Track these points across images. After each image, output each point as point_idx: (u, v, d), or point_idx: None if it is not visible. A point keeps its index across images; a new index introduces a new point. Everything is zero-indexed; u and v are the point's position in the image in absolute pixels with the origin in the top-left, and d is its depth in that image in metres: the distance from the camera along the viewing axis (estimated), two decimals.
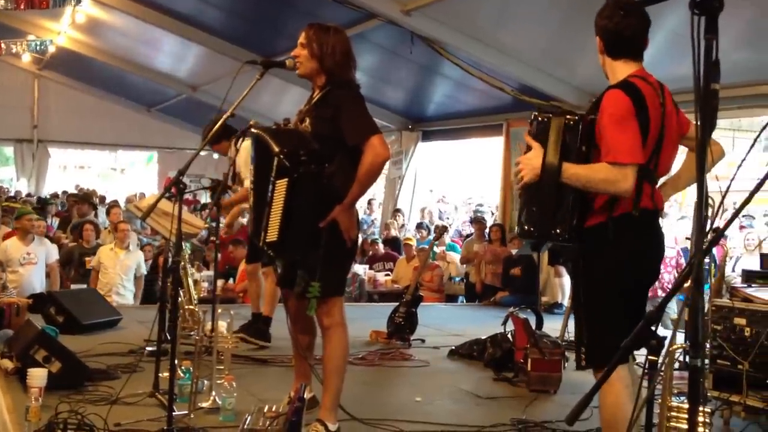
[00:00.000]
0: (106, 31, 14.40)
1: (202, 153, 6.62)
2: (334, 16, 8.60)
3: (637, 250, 3.04)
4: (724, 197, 2.00)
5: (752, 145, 2.01)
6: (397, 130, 13.39)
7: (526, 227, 3.07)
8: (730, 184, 2.06)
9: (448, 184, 17.34)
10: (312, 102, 3.83)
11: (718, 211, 3.64)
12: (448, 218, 15.36)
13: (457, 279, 11.50)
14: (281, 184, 3.43)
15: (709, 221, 5.08)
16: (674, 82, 3.34)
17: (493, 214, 13.04)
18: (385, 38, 9.79)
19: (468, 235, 12.08)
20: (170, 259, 4.00)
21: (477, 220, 11.88)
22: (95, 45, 15.56)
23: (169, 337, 3.95)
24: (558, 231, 2.96)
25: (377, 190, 15.63)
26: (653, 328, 1.90)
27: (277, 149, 3.42)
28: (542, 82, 9.11)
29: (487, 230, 10.93)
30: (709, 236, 1.91)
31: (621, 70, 3.06)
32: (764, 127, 2.11)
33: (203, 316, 5.16)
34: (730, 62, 7.30)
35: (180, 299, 5.33)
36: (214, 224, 5.80)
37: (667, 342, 2.24)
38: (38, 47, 15.87)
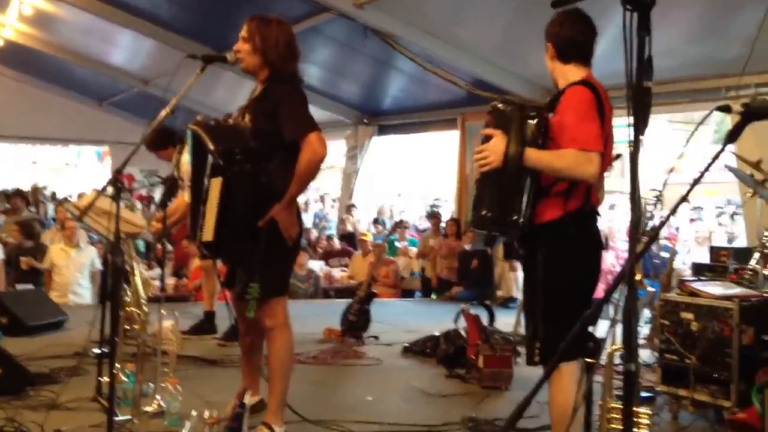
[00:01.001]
0: (54, 23, 14.06)
1: None
2: (287, 9, 8.50)
3: (592, 246, 3.16)
4: (660, 193, 1.97)
5: (688, 139, 1.99)
6: (353, 124, 13.32)
7: (483, 212, 3.07)
8: (666, 179, 2.04)
9: (404, 179, 17.30)
10: (253, 97, 3.74)
11: (656, 205, 3.68)
12: (403, 212, 15.32)
13: (416, 274, 11.49)
14: (216, 183, 3.34)
15: (656, 215, 5.12)
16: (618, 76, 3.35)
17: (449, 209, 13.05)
18: (338, 31, 9.69)
19: (423, 230, 12.07)
20: (110, 259, 3.88)
21: (433, 215, 11.87)
22: (44, 38, 15.19)
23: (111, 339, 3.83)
24: (515, 218, 2.99)
25: (332, 185, 15.57)
26: (590, 329, 1.86)
27: (212, 147, 3.33)
28: (496, 76, 9.11)
29: (442, 225, 10.92)
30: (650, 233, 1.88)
31: (573, 73, 3.18)
32: (701, 121, 2.10)
33: (149, 317, 5.04)
34: (682, 56, 7.38)
35: (126, 299, 5.21)
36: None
37: (607, 341, 2.22)
38: None
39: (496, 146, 3.00)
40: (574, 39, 3.17)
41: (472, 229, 3.24)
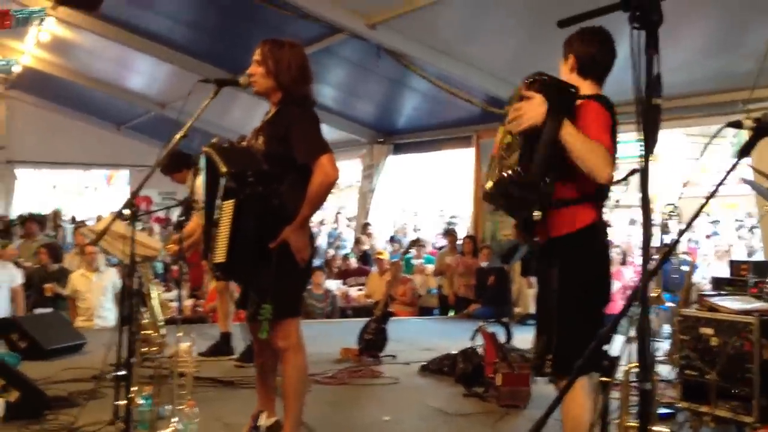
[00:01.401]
0: (72, 49, 14.25)
1: None
2: (300, 31, 8.57)
3: (605, 258, 3.19)
4: (676, 207, 1.96)
5: (703, 151, 1.98)
6: (368, 143, 13.36)
7: (511, 172, 2.96)
8: (682, 193, 2.03)
9: (420, 197, 17.29)
10: (266, 119, 3.77)
11: (672, 219, 3.67)
12: (419, 230, 15.30)
13: (434, 291, 11.46)
14: (228, 206, 3.36)
15: (673, 230, 5.08)
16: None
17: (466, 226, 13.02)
18: (351, 52, 9.76)
19: (440, 248, 12.05)
20: (126, 283, 3.90)
21: (449, 233, 11.85)
22: (61, 64, 15.40)
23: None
24: (547, 181, 2.95)
25: (348, 203, 15.59)
26: (605, 348, 1.84)
27: (224, 170, 3.36)
28: (509, 93, 9.11)
29: (459, 242, 10.90)
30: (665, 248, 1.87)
31: (589, 88, 3.20)
32: (713, 136, 2.09)
33: (166, 339, 5.05)
34: (696, 71, 7.37)
35: (144, 321, 5.22)
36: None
37: (624, 358, 2.20)
38: (2, 67, 15.65)
39: (538, 106, 2.93)
40: (597, 57, 3.23)
41: (493, 194, 3.11)
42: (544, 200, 3.00)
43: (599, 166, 2.91)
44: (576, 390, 2.87)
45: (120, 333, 4.22)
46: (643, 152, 1.71)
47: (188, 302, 9.58)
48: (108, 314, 8.47)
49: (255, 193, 3.36)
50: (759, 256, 7.89)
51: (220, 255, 3.40)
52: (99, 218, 16.34)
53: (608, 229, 3.23)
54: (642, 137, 1.69)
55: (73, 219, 17.06)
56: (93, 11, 10.17)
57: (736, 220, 13.24)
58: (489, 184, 3.09)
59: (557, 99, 2.96)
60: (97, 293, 8.39)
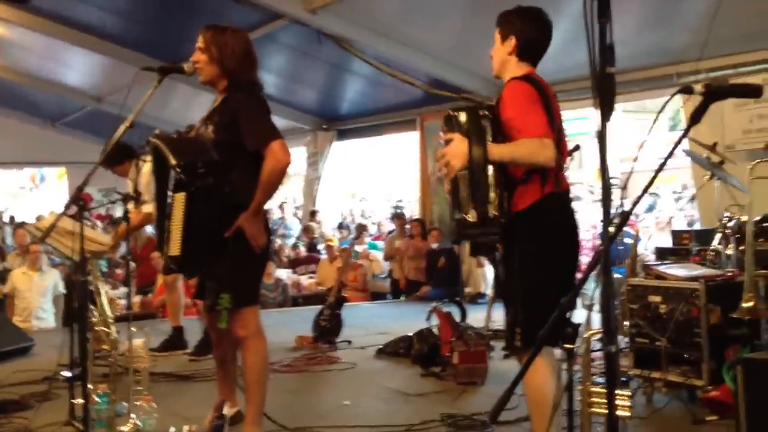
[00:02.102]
0: (2, 45, 13.81)
1: None
2: (240, 18, 8.44)
3: (569, 228, 3.20)
4: (627, 180, 2.00)
5: (653, 125, 2.03)
6: (312, 130, 13.28)
7: (461, 217, 3.02)
8: (633, 166, 2.07)
9: (366, 182, 17.30)
10: (214, 107, 3.71)
11: (623, 193, 3.71)
12: (370, 216, 15.30)
13: (382, 276, 11.48)
14: (179, 198, 3.31)
15: (618, 204, 5.19)
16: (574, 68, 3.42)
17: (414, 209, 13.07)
18: (292, 38, 9.66)
19: (389, 232, 12.08)
20: (75, 279, 3.81)
21: (397, 216, 11.89)
22: None
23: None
24: (494, 215, 2.99)
25: (294, 192, 15.49)
26: (567, 315, 1.87)
27: (173, 162, 3.30)
28: (452, 75, 9.18)
29: (407, 225, 10.94)
30: (615, 221, 1.91)
31: (519, 69, 3.21)
32: (665, 104, 2.14)
33: (119, 335, 4.96)
34: (634, 46, 7.51)
35: (94, 319, 5.12)
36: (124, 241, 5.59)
37: (583, 327, 2.24)
38: None
39: (458, 148, 3.00)
40: (540, 41, 3.22)
41: (459, 242, 3.24)
42: (504, 225, 3.02)
43: (536, 158, 2.97)
44: (537, 361, 2.89)
45: (71, 332, 4.13)
46: (600, 121, 1.73)
47: (137, 298, 9.43)
48: (47, 315, 8.30)
49: (206, 184, 3.31)
50: (699, 226, 8.11)
51: (174, 248, 3.35)
52: (39, 217, 15.98)
53: (568, 199, 3.23)
54: (599, 106, 1.71)
55: (12, 219, 16.61)
56: (23, 4, 9.85)
57: (674, 192, 13.59)
58: (453, 232, 3.16)
59: (477, 124, 3.01)
60: (36, 293, 8.21)
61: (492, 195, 2.98)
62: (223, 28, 3.70)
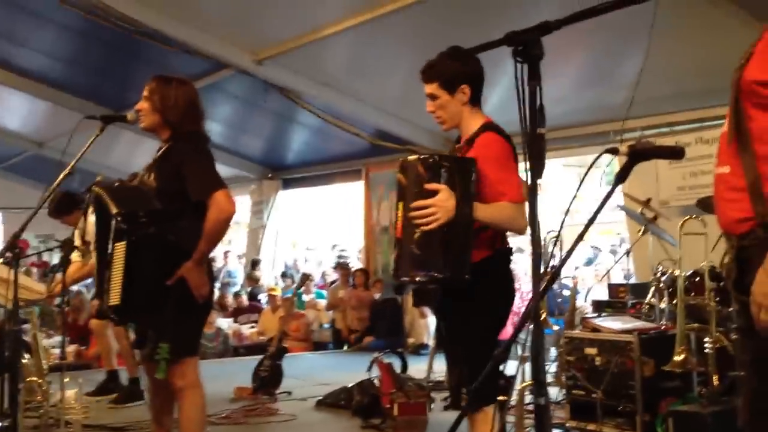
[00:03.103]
0: None
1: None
2: (186, 67, 8.47)
3: (511, 284, 3.17)
4: (559, 234, 2.07)
5: (581, 183, 2.11)
6: (257, 179, 13.27)
7: (436, 275, 2.89)
8: (563, 220, 2.15)
9: (311, 231, 17.28)
10: (157, 156, 3.71)
11: (555, 246, 3.82)
12: (317, 264, 15.24)
13: (326, 326, 11.42)
14: (120, 247, 3.29)
15: (556, 255, 5.29)
16: (513, 124, 3.49)
17: (359, 258, 13.09)
18: (238, 88, 9.72)
19: (332, 282, 12.06)
20: (7, 328, 3.73)
21: (341, 266, 11.88)
22: None
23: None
24: (467, 276, 2.91)
25: (238, 240, 15.37)
26: (500, 368, 1.91)
27: (114, 211, 3.29)
28: (397, 127, 9.31)
29: (351, 275, 10.95)
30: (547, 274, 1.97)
31: (477, 117, 3.14)
32: (591, 164, 2.22)
33: (50, 386, 4.84)
34: (572, 103, 7.74)
35: (28, 369, 4.99)
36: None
37: (517, 379, 2.28)
38: None
39: (445, 201, 2.84)
40: (483, 78, 3.12)
41: (401, 292, 3.14)
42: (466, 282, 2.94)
43: (514, 225, 2.96)
44: (487, 419, 2.80)
45: (1, 382, 4.01)
46: (531, 180, 1.80)
47: (71, 348, 9.18)
48: None
49: (147, 233, 3.29)
50: (634, 280, 8.31)
51: (114, 297, 3.31)
52: None
53: (510, 256, 3.18)
54: (529, 166, 1.78)
55: None
56: None
57: (612, 245, 13.89)
58: (405, 279, 2.99)
59: (464, 179, 2.91)
60: None
61: (467, 256, 2.91)
62: (169, 79, 3.72)
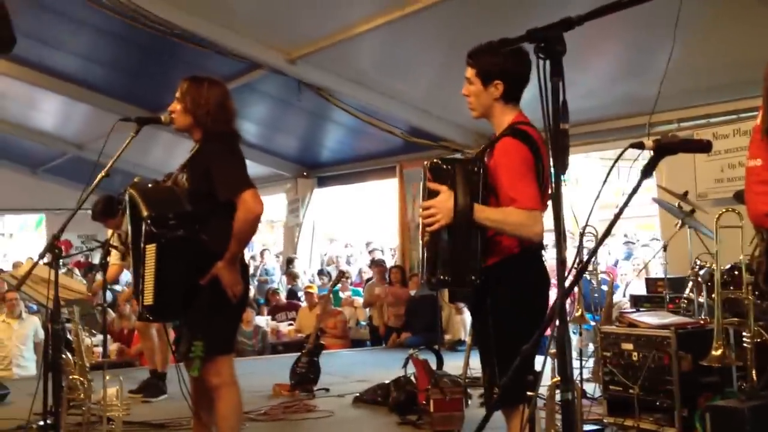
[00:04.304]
0: None
1: (90, 212, 6.48)
2: (220, 68, 8.57)
3: (542, 283, 3.12)
4: (584, 228, 2.06)
5: (608, 173, 2.10)
6: (293, 177, 13.37)
7: (440, 277, 2.95)
8: (590, 215, 2.14)
9: (347, 229, 17.34)
10: (189, 156, 3.77)
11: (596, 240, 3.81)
12: (354, 262, 15.28)
13: (363, 323, 11.46)
14: (150, 249, 3.36)
15: (590, 250, 5.25)
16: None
17: (393, 255, 13.10)
18: (272, 87, 9.80)
19: (368, 279, 12.10)
20: (50, 327, 3.82)
21: (376, 263, 11.90)
22: None
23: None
24: (473, 277, 2.92)
25: (275, 238, 15.49)
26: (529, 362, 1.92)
27: (144, 213, 3.36)
28: (430, 123, 9.31)
29: (387, 272, 10.97)
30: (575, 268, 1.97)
31: (509, 115, 3.11)
32: (619, 156, 2.22)
33: (93, 384, 4.94)
34: (606, 96, 7.66)
35: (71, 368, 5.10)
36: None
37: (547, 375, 2.28)
38: None
39: (444, 202, 2.90)
40: (524, 78, 3.07)
41: (437, 289, 3.19)
42: (476, 285, 2.96)
43: (524, 232, 2.93)
44: (520, 418, 2.78)
45: (45, 380, 4.11)
46: (555, 176, 1.80)
47: (114, 346, 9.36)
48: (28, 363, 8.21)
49: (176, 236, 3.35)
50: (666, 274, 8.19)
51: (147, 297, 3.39)
52: (16, 264, 15.84)
53: (541, 258, 3.13)
54: (553, 161, 1.78)
55: None
56: (5, 53, 9.93)
57: (652, 239, 13.70)
58: (423, 282, 3.11)
59: (466, 180, 2.92)
60: (16, 341, 8.13)
61: (471, 260, 2.91)
62: (201, 79, 3.77)
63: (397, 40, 7.72)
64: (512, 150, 2.97)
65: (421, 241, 3.14)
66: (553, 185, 1.83)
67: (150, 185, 3.72)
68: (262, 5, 7.80)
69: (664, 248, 6.16)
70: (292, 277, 12.99)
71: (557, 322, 1.79)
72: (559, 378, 1.82)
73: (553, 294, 3.17)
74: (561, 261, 1.77)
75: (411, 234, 11.11)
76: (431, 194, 2.98)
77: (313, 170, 13.26)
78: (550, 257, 2.73)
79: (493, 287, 3.00)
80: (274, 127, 11.91)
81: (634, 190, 1.93)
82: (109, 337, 8.68)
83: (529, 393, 1.94)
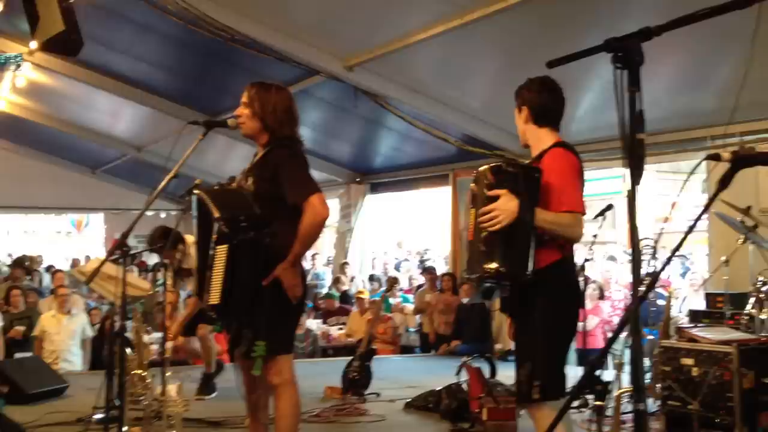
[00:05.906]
0: (48, 94, 14.24)
1: (150, 213, 6.64)
2: (278, 73, 8.68)
3: (575, 295, 3.46)
4: (657, 241, 2.06)
5: (682, 188, 2.09)
6: (345, 183, 13.45)
7: (495, 266, 3.16)
8: (663, 227, 2.13)
9: (398, 236, 17.35)
10: (255, 161, 3.84)
11: (654, 253, 3.87)
12: (402, 270, 15.31)
13: (412, 330, 11.47)
14: (221, 250, 3.44)
15: (649, 264, 5.20)
16: (608, 128, 3.57)
17: (445, 262, 13.08)
18: (329, 93, 9.89)
19: (419, 286, 12.09)
20: (116, 323, 3.92)
21: (428, 270, 11.90)
22: (36, 109, 15.35)
23: (117, 404, 3.86)
24: (528, 273, 3.15)
25: (327, 243, 15.58)
26: (597, 373, 1.92)
27: (217, 215, 3.43)
28: (484, 132, 9.29)
29: (438, 280, 10.96)
30: (645, 281, 1.96)
31: (548, 136, 3.42)
32: (693, 170, 2.20)
33: (153, 380, 5.05)
34: (667, 108, 7.56)
35: (129, 363, 5.23)
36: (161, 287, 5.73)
37: (614, 386, 2.27)
38: None
39: (507, 204, 3.15)
40: (549, 105, 3.43)
41: (473, 281, 3.36)
42: (528, 281, 3.19)
43: (571, 233, 3.23)
44: (552, 415, 2.94)
45: (108, 375, 4.23)
46: (630, 185, 1.80)
47: (169, 344, 9.50)
48: (75, 359, 8.41)
49: (247, 237, 3.43)
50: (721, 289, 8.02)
51: (214, 297, 3.47)
52: (74, 262, 16.21)
53: (577, 267, 3.51)
54: (629, 171, 1.78)
55: (50, 267, 16.88)
56: (73, 56, 10.21)
57: (707, 255, 13.41)
58: (473, 276, 3.29)
59: (529, 185, 3.18)
60: (65, 336, 8.33)
61: (528, 257, 3.15)
62: (268, 85, 3.85)
63: (455, 48, 7.73)
64: (563, 158, 3.30)
65: (468, 240, 3.36)
66: (628, 196, 1.83)
67: (216, 187, 3.79)
68: (321, 13, 7.90)
69: (726, 263, 6.04)
70: (341, 282, 13.05)
71: (627, 333, 1.80)
72: (629, 388, 1.82)
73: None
74: (636, 267, 1.77)
75: (463, 242, 11.08)
76: (490, 200, 3.21)
77: (366, 176, 13.32)
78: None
79: (540, 289, 3.22)
80: (330, 133, 12.01)
81: (710, 202, 1.92)
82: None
83: (597, 403, 1.94)
